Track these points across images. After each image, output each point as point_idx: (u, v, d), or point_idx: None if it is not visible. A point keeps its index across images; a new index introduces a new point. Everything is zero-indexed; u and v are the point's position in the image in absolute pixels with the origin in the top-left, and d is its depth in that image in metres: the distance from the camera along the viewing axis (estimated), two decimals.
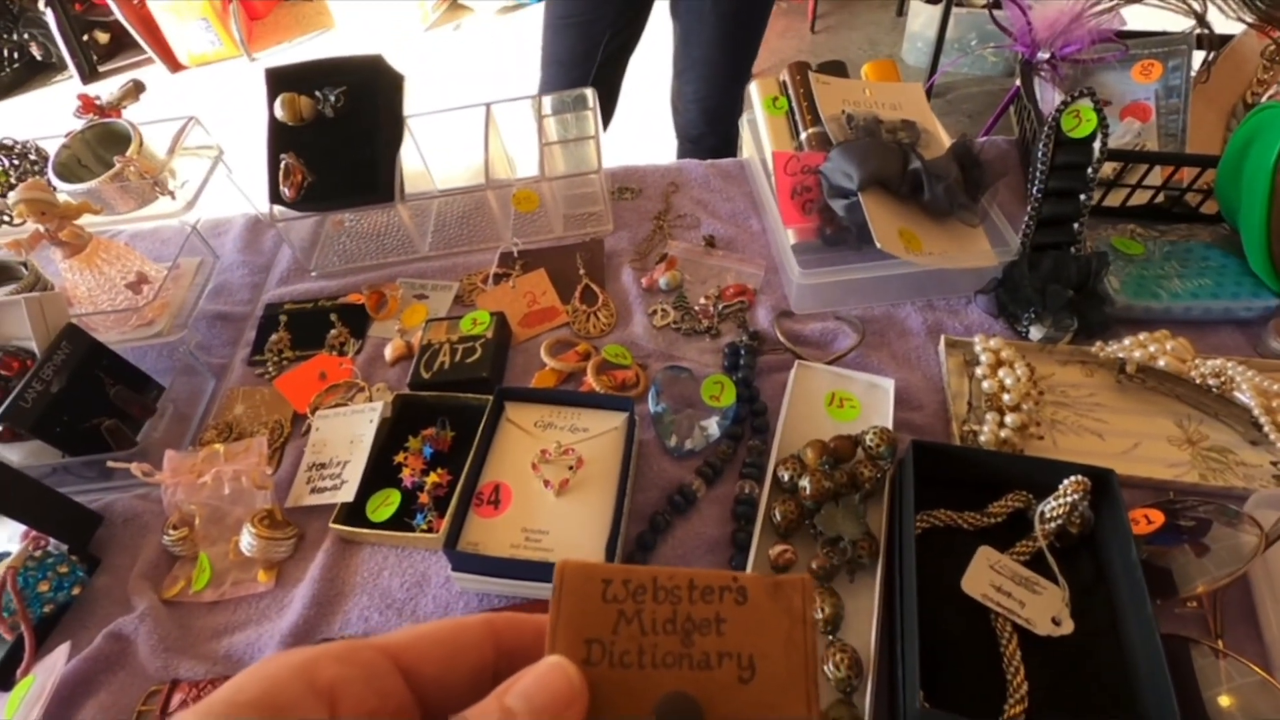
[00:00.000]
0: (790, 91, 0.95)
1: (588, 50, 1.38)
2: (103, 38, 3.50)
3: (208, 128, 0.96)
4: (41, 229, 0.74)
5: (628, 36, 1.43)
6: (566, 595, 0.22)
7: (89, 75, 3.44)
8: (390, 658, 0.21)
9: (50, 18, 3.22)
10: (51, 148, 0.88)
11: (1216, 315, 0.77)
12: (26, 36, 3.41)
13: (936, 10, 2.60)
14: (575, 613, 0.22)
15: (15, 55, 3.43)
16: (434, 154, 1.03)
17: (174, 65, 3.49)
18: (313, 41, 3.59)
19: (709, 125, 1.52)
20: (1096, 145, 0.76)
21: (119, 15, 3.24)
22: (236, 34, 3.40)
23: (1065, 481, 0.58)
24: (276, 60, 3.45)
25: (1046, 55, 0.92)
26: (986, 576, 0.58)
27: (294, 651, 0.20)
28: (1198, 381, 0.69)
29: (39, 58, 3.47)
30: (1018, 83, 0.95)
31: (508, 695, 0.20)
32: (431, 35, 3.47)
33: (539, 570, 0.59)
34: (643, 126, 2.65)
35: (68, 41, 3.30)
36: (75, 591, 0.66)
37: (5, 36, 3.38)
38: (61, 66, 3.45)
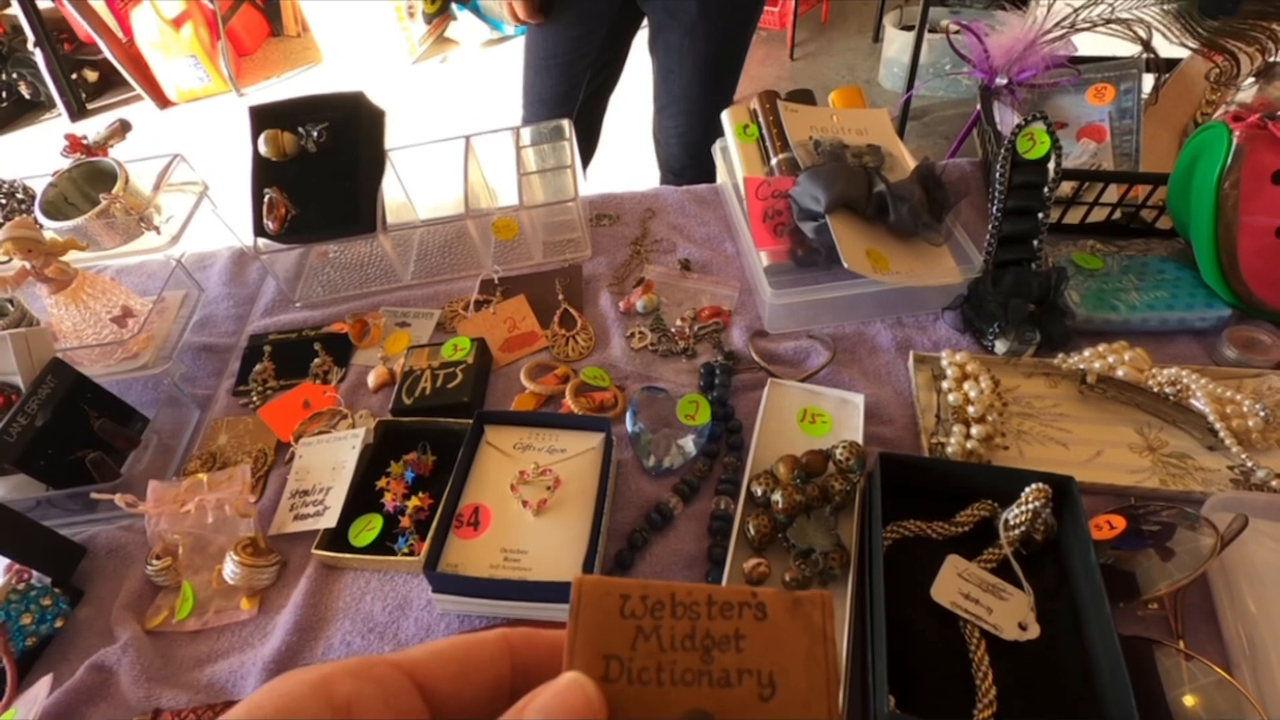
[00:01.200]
0: (760, 119, 0.99)
1: (569, 90, 1.41)
2: (91, 76, 3.55)
3: (193, 164, 0.98)
4: (27, 266, 0.75)
5: (608, 75, 1.47)
6: (584, 610, 0.22)
7: (78, 113, 3.47)
8: (406, 674, 0.21)
9: (39, 57, 3.26)
10: (39, 186, 0.90)
11: (1173, 326, 0.80)
12: (15, 76, 3.45)
13: (909, 36, 2.68)
14: (593, 628, 0.21)
15: (4, 94, 3.46)
16: (417, 185, 1.06)
17: (163, 102, 3.53)
18: (301, 76, 3.65)
19: (691, 158, 1.55)
20: (1051, 166, 0.79)
21: (108, 54, 3.29)
22: (225, 70, 3.45)
23: (1027, 489, 0.60)
24: (265, 95, 3.51)
25: (1004, 80, 0.96)
26: (955, 584, 0.59)
27: (310, 669, 0.20)
28: (1155, 390, 0.71)
29: (27, 96, 3.51)
30: (978, 107, 0.99)
31: (526, 711, 0.20)
32: (419, 68, 3.53)
33: (518, 589, 0.60)
34: (622, 156, 2.70)
35: (56, 80, 3.34)
36: (58, 624, 0.66)
37: None
38: (50, 105, 3.49)
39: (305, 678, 0.20)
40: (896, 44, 2.93)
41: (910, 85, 2.63)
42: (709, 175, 1.57)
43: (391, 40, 3.44)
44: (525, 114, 1.50)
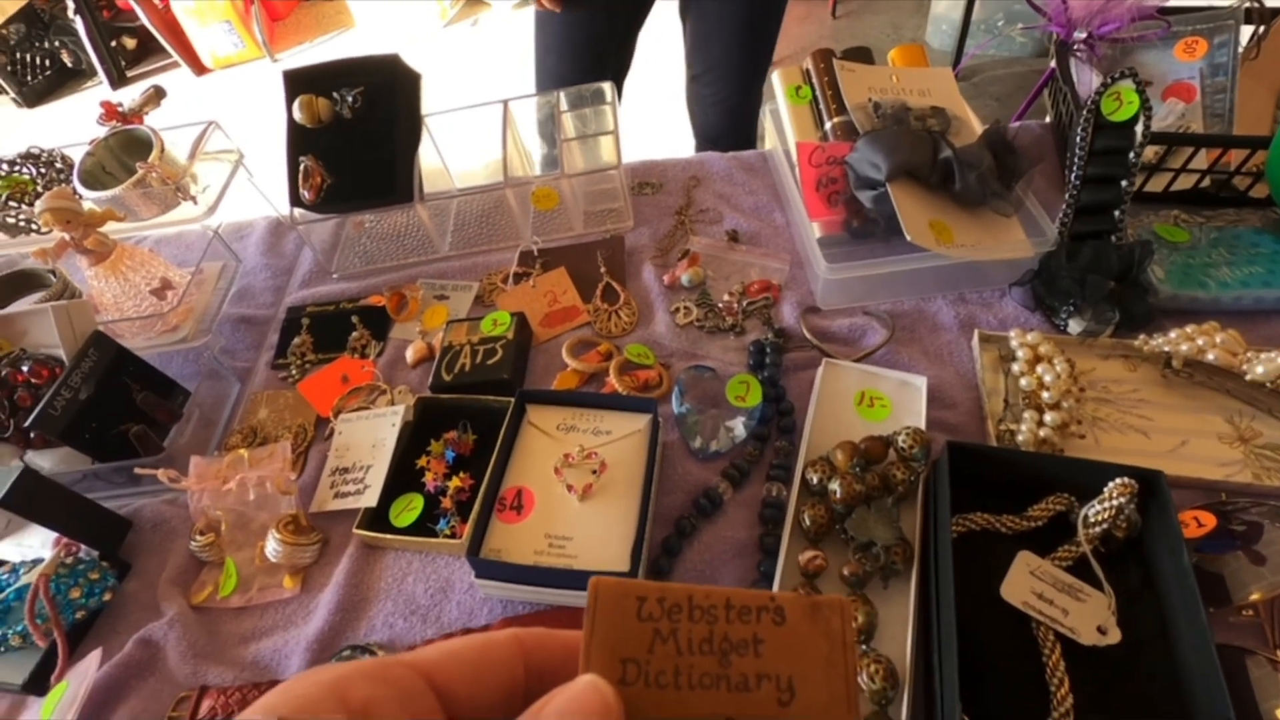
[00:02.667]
0: (814, 80, 0.93)
1: (587, 74, 1.30)
2: (130, 43, 3.56)
3: (228, 132, 0.96)
4: (67, 237, 0.74)
5: (625, 58, 1.40)
6: (601, 613, 0.21)
7: (118, 80, 3.50)
8: (422, 676, 0.21)
9: (79, 25, 3.28)
10: (77, 155, 0.89)
11: (1269, 305, 0.73)
12: (58, 44, 3.48)
13: None
14: (610, 631, 0.21)
15: (47, 63, 3.50)
16: (452, 152, 1.02)
17: (199, 68, 3.53)
18: (333, 41, 3.61)
19: (730, 125, 1.49)
20: (1139, 129, 0.73)
21: (145, 20, 3.29)
22: (259, 35, 3.43)
23: (1111, 484, 0.55)
24: (298, 60, 3.48)
25: (1083, 35, 0.88)
26: (1027, 583, 0.56)
27: (324, 669, 0.20)
28: (1249, 378, 0.66)
29: (69, 65, 3.55)
30: (1052, 64, 0.91)
31: (543, 714, 0.19)
32: (450, 31, 3.47)
33: (563, 578, 0.58)
34: (662, 121, 2.63)
35: (96, 48, 3.36)
36: (106, 598, 0.66)
37: (37, 45, 3.46)
38: (91, 73, 3.52)
39: (320, 679, 0.19)
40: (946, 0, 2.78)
41: (961, 43, 2.49)
42: (749, 143, 1.51)
43: (423, 3, 3.38)
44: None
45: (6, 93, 3.43)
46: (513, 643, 0.22)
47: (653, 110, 2.67)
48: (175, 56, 3.45)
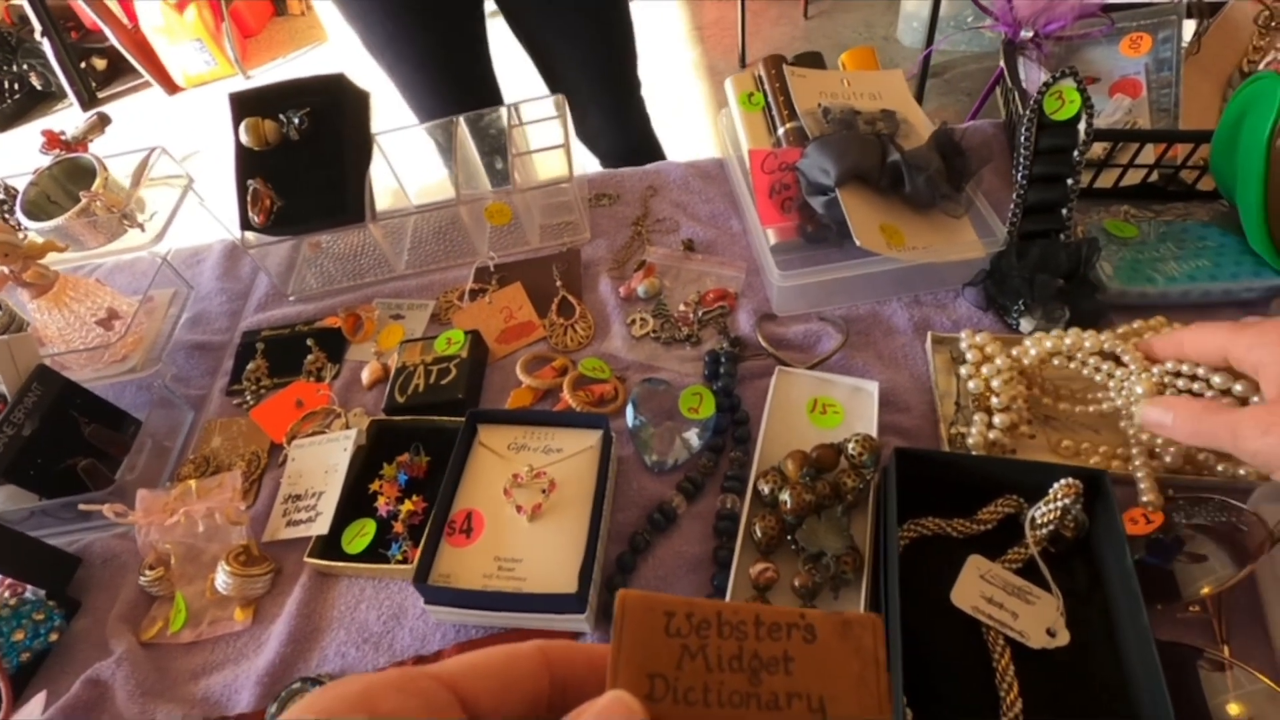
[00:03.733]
0: (766, 86, 0.92)
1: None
2: (100, 64, 3.54)
3: (205, 151, 0.95)
4: (5, 270, 0.73)
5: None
6: (628, 627, 0.21)
7: (89, 102, 3.48)
8: (448, 687, 0.21)
9: (47, 46, 3.25)
10: (21, 185, 0.88)
11: (1216, 298, 0.74)
12: (26, 67, 3.45)
13: None
14: (637, 646, 0.21)
15: (16, 86, 3.47)
16: (408, 170, 1.02)
17: (171, 87, 3.51)
18: (306, 55, 3.60)
19: (638, 142, 1.44)
20: (1081, 127, 0.73)
21: (114, 40, 3.27)
22: (231, 53, 3.42)
23: (1056, 485, 0.55)
24: (272, 76, 3.47)
25: (1030, 34, 0.88)
26: (977, 587, 0.55)
27: (351, 681, 0.20)
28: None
29: (39, 87, 3.52)
30: (1001, 64, 0.92)
31: None
32: None
33: (510, 601, 0.57)
34: (655, 120, 2.63)
35: (65, 70, 3.34)
36: (53, 638, 0.65)
37: (5, 68, 3.43)
38: (61, 95, 3.49)
39: (346, 691, 0.19)
40: None
41: (930, 41, 2.51)
42: (655, 150, 1.45)
43: None
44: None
45: None
46: (538, 655, 0.22)
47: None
48: (147, 76, 3.43)
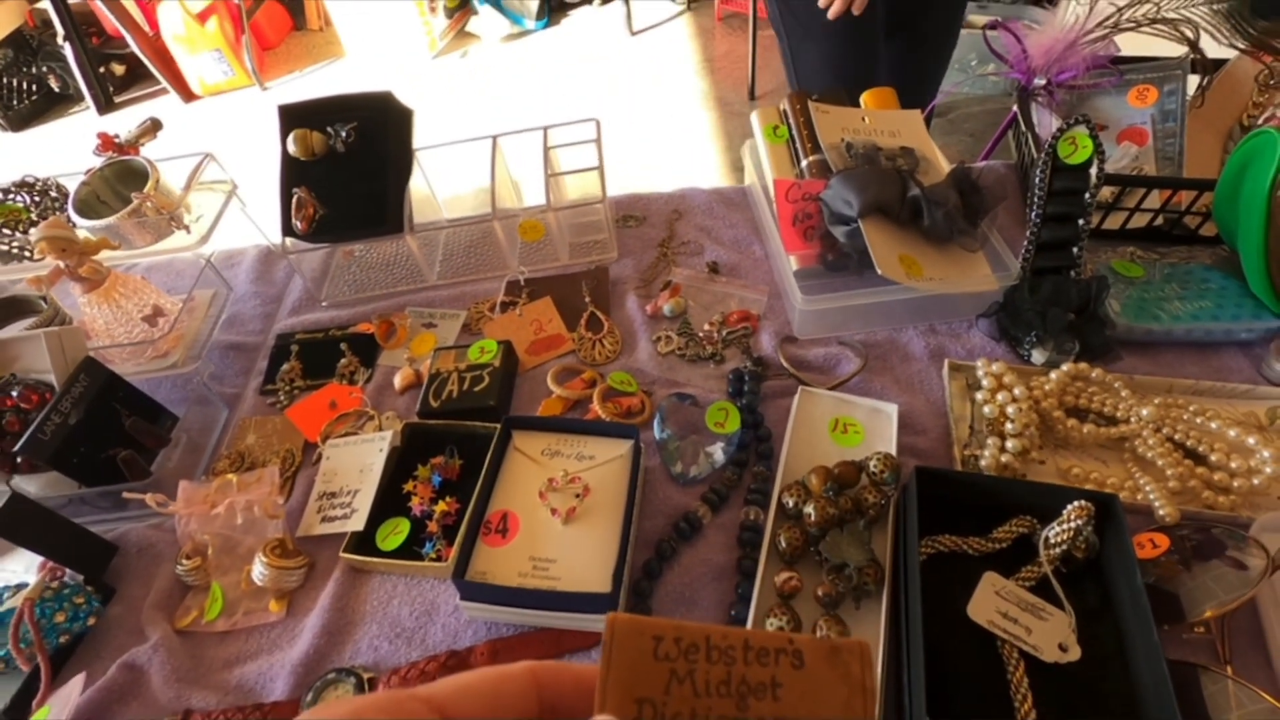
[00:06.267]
0: (790, 120, 0.97)
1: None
2: (118, 69, 3.59)
3: (222, 162, 0.98)
4: (62, 265, 0.76)
5: None
6: (617, 651, 0.21)
7: (105, 106, 3.52)
8: (437, 711, 0.21)
9: (68, 51, 3.31)
10: (70, 184, 0.91)
11: (1218, 337, 0.78)
12: (45, 69, 3.50)
13: None
14: (626, 670, 0.21)
15: (34, 87, 3.52)
16: (441, 182, 1.05)
17: (187, 95, 3.56)
18: (323, 71, 3.66)
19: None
20: (1093, 171, 0.77)
21: (134, 47, 3.32)
22: (249, 64, 3.47)
23: (1069, 506, 0.58)
24: (288, 89, 3.54)
25: (1043, 81, 0.94)
26: (992, 603, 0.58)
27: (340, 704, 0.20)
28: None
29: (56, 89, 3.56)
30: (1014, 108, 0.96)
31: None
32: (439, 63, 3.54)
33: (547, 599, 0.59)
34: (645, 157, 2.69)
35: (85, 74, 3.38)
36: (90, 622, 0.67)
37: (25, 70, 3.47)
38: (78, 98, 3.54)
39: (335, 712, 0.20)
40: None
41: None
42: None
43: (413, 34, 3.45)
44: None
45: None
46: (527, 677, 0.22)
47: (657, 140, 2.74)
48: (164, 83, 3.48)
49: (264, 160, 0.89)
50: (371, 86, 0.93)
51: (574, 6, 3.83)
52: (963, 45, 2.73)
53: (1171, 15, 0.84)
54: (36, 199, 0.92)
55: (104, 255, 0.81)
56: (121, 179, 0.90)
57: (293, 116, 0.91)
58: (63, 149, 3.36)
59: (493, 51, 3.58)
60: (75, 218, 0.86)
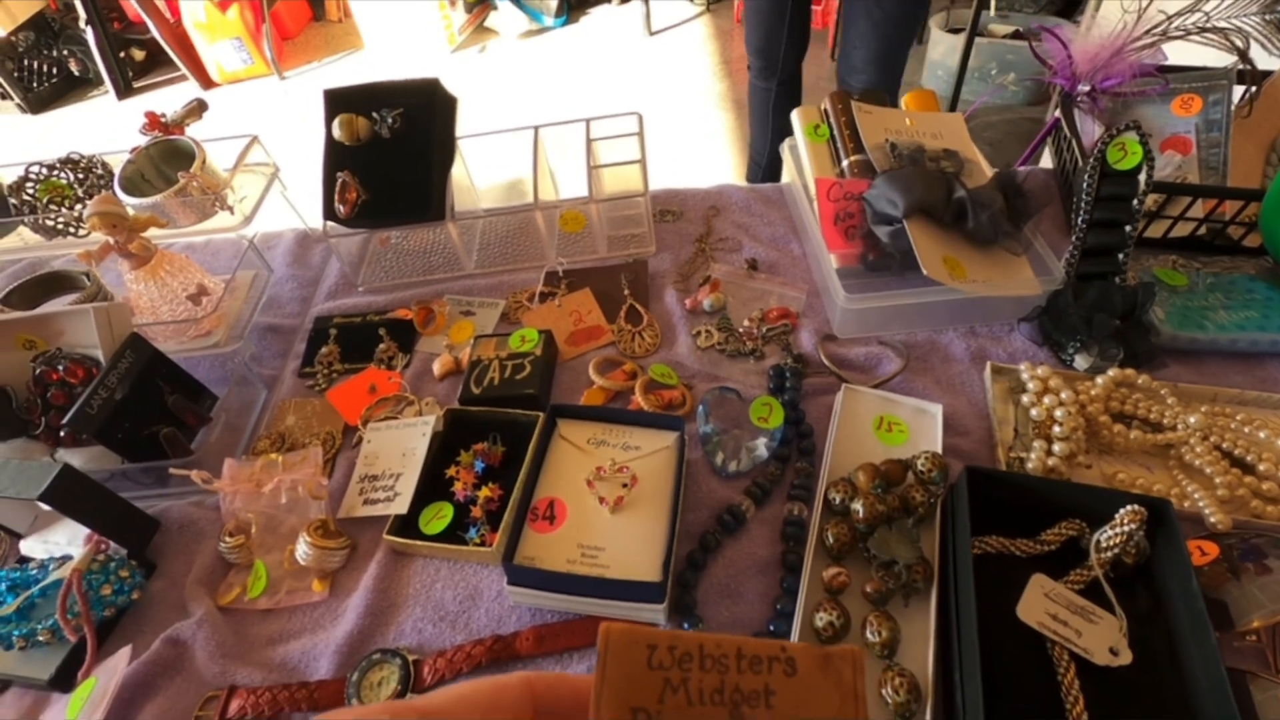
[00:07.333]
0: (832, 120, 0.97)
1: None
2: (138, 55, 3.60)
3: (265, 146, 0.98)
4: (111, 241, 0.76)
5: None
6: (611, 660, 0.21)
7: (124, 90, 3.53)
8: None
9: (90, 35, 3.32)
10: (113, 161, 0.91)
11: (1264, 348, 0.77)
12: (66, 53, 3.51)
13: (955, 39, 2.64)
14: (620, 679, 0.21)
15: (54, 70, 3.53)
16: (476, 172, 1.05)
17: (206, 82, 3.57)
18: (342, 62, 3.67)
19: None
20: (1142, 177, 0.77)
21: (155, 33, 3.33)
22: (268, 53, 3.48)
23: (1121, 511, 0.58)
24: (307, 79, 3.54)
25: (1086, 88, 0.94)
26: (1041, 604, 0.58)
27: (339, 714, 0.20)
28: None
29: (76, 73, 3.57)
30: (1057, 114, 0.96)
31: None
32: (457, 57, 3.54)
33: (596, 586, 0.59)
34: (681, 151, 2.70)
35: (105, 58, 3.40)
36: (135, 596, 0.67)
37: (45, 52, 3.48)
38: (98, 82, 3.55)
39: None
40: (942, 46, 2.89)
41: (958, 89, 2.59)
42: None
43: (432, 28, 3.46)
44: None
45: (11, 99, 3.44)
46: (523, 687, 0.23)
47: (674, 141, 2.75)
48: (183, 69, 3.49)
49: (281, 147, 0.89)
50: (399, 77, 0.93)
51: (593, 5, 3.84)
52: (982, 54, 2.75)
53: (1222, 24, 0.84)
54: (80, 176, 0.92)
55: (151, 233, 0.81)
56: (166, 158, 0.91)
57: (338, 101, 0.91)
58: (82, 132, 3.37)
59: (511, 47, 3.59)
60: (121, 195, 0.86)
